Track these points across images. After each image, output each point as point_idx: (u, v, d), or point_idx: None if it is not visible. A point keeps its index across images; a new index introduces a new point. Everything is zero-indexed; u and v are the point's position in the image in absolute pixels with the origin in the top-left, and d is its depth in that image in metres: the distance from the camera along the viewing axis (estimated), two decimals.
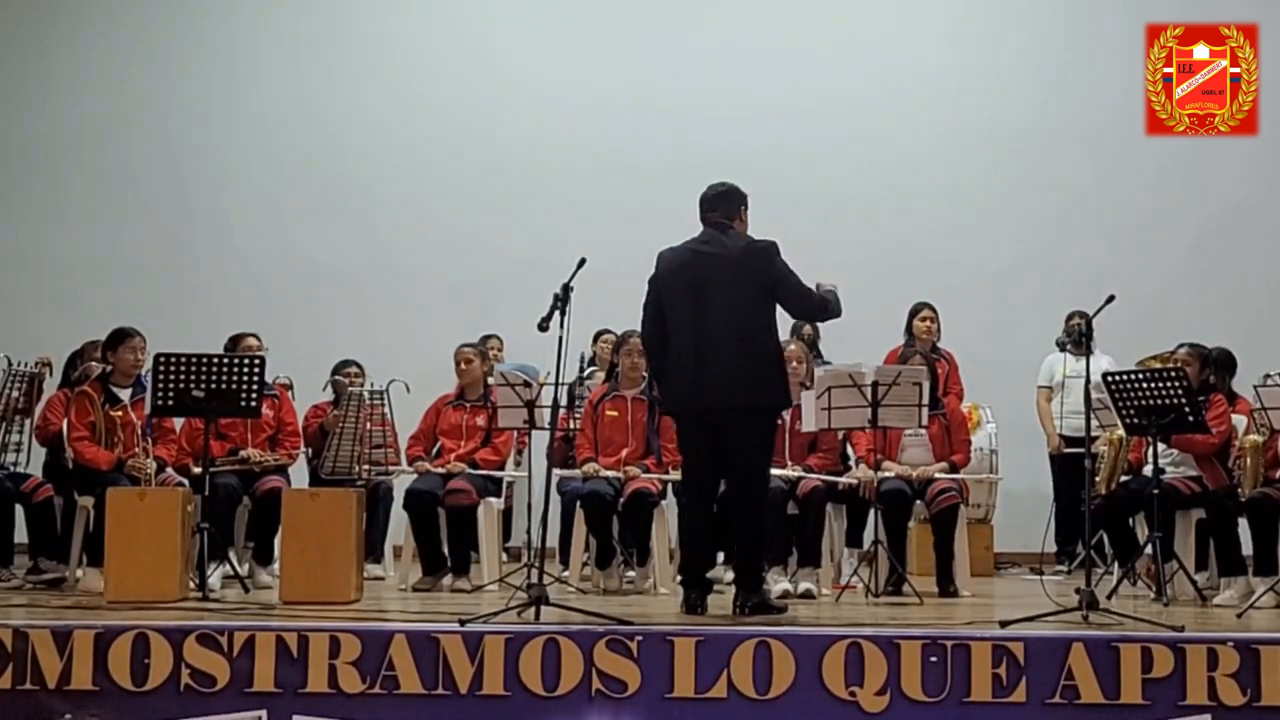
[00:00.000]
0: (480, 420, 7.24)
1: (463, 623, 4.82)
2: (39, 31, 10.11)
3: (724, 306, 5.58)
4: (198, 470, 6.63)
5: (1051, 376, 8.59)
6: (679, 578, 6.01)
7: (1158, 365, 6.80)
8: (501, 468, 7.24)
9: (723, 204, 5.79)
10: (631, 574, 7.01)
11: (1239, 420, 6.80)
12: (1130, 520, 6.85)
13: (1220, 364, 6.93)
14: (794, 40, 9.95)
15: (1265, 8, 9.86)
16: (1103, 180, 9.82)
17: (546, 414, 6.03)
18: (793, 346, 7.03)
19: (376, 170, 10.00)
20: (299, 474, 7.44)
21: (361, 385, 7.31)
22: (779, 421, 6.23)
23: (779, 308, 5.77)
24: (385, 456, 7.13)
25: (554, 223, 9.60)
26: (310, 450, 7.62)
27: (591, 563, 6.93)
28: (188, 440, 7.00)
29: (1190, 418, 6.34)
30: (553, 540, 6.97)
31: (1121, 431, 6.72)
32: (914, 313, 8.25)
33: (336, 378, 7.80)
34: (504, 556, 7.81)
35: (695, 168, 9.19)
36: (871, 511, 6.69)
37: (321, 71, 10.10)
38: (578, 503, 6.87)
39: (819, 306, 5.80)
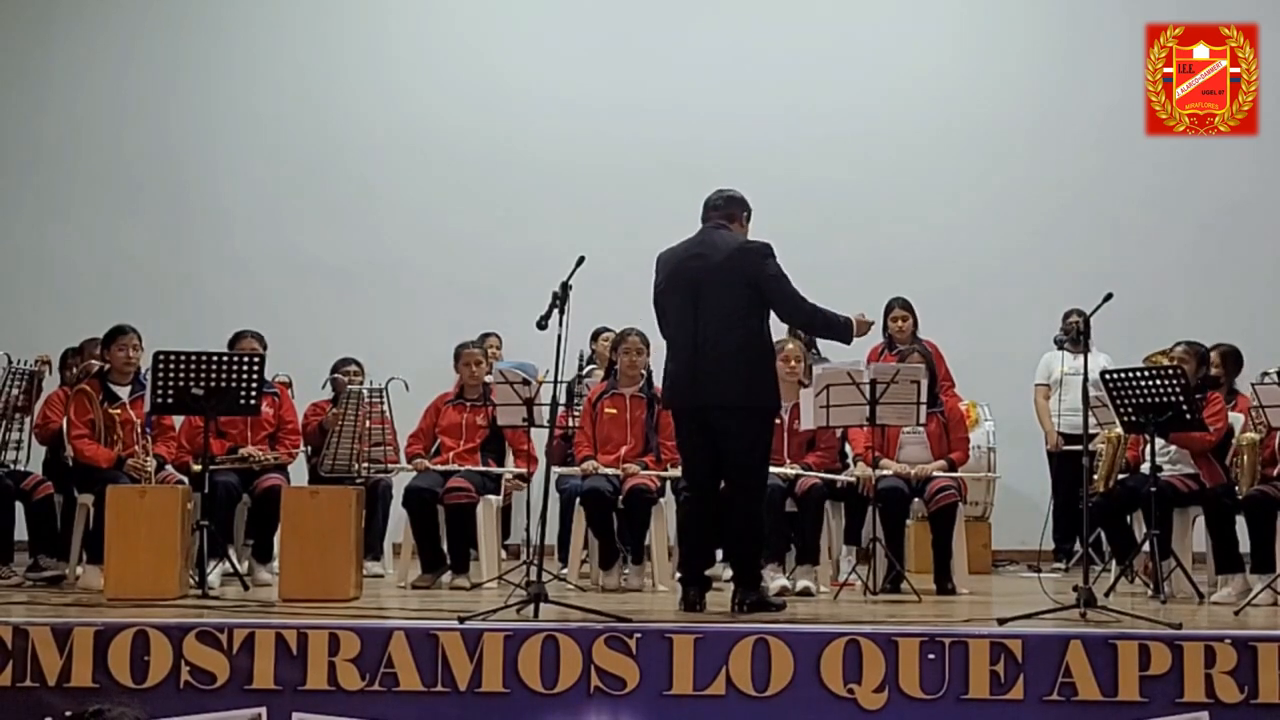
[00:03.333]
0: (480, 419, 7.25)
1: (462, 620, 4.82)
2: (38, 31, 10.11)
3: (716, 305, 5.62)
4: (197, 468, 6.63)
5: (1049, 374, 8.61)
6: (677, 575, 6.02)
7: (1165, 361, 6.81)
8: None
9: (726, 207, 5.84)
10: (627, 571, 6.96)
11: (1236, 418, 6.81)
12: (1128, 518, 6.86)
13: (1226, 361, 6.93)
14: (793, 39, 9.95)
15: (1265, 8, 9.86)
16: (1102, 179, 9.82)
17: (545, 412, 6.04)
18: (790, 345, 7.03)
19: (376, 169, 10.01)
20: (298, 472, 7.45)
21: (361, 383, 7.33)
22: (778, 420, 6.24)
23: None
24: (384, 454, 7.15)
25: (553, 221, 9.61)
26: (310, 448, 7.63)
27: (593, 563, 6.92)
28: (187, 438, 7.01)
29: (1188, 415, 6.36)
30: (551, 538, 6.97)
31: (1119, 429, 6.73)
32: (886, 311, 8.21)
33: (336, 376, 7.82)
34: (503, 554, 7.82)
35: (694, 167, 9.29)
36: (870, 509, 6.70)
37: (321, 70, 10.10)
38: (577, 500, 6.87)
39: (808, 314, 5.76)
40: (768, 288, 5.64)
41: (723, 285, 5.62)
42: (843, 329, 5.81)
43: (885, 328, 8.26)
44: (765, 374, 5.70)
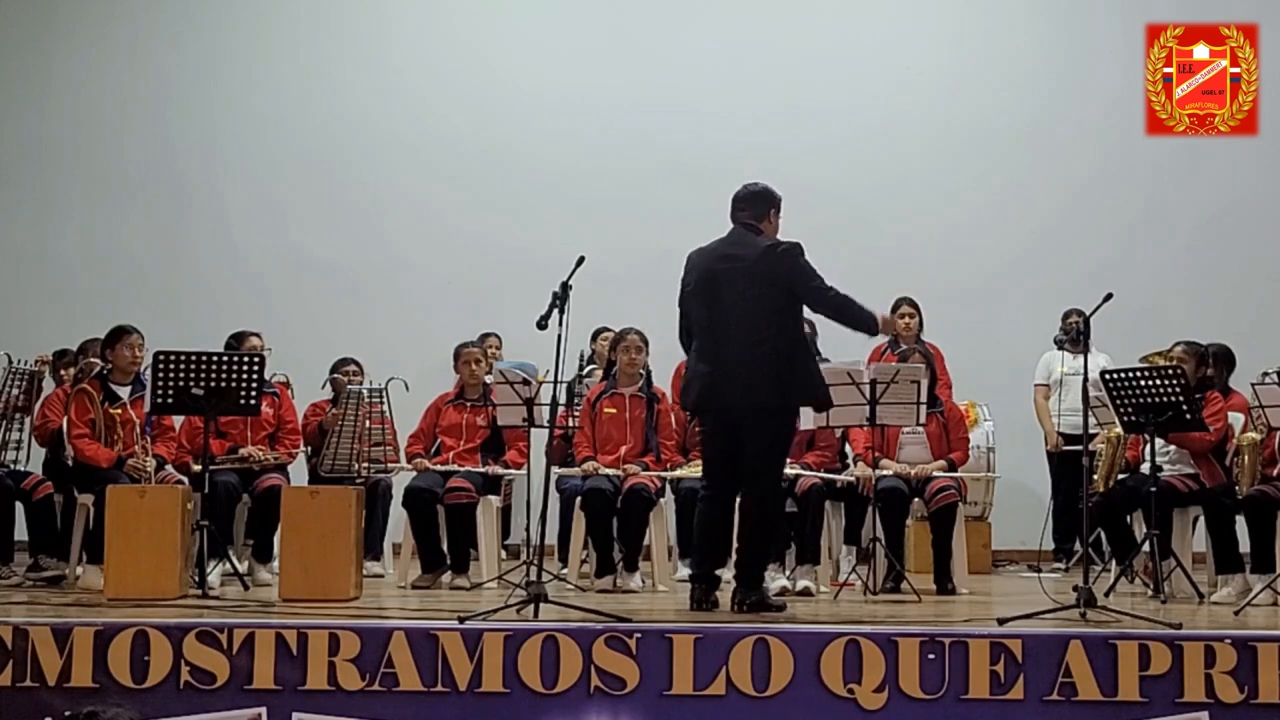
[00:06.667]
0: (480, 420, 7.25)
1: (462, 620, 4.83)
2: (38, 30, 10.11)
3: (742, 306, 5.61)
4: (197, 468, 6.64)
5: (1049, 374, 8.61)
6: (688, 573, 6.01)
7: (1163, 362, 6.81)
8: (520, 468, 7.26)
9: (753, 205, 5.83)
10: (620, 581, 6.77)
11: (1236, 418, 6.81)
12: (1128, 518, 6.86)
13: (1219, 360, 6.94)
14: (794, 39, 9.96)
15: (1265, 8, 9.87)
16: (1102, 179, 9.82)
17: (545, 412, 6.04)
18: None
19: (376, 168, 10.01)
20: (298, 472, 7.45)
21: (360, 383, 7.33)
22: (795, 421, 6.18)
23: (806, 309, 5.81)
24: (384, 454, 7.15)
25: (553, 221, 9.61)
26: (310, 448, 7.63)
27: (593, 565, 6.90)
28: (187, 438, 7.02)
29: (1187, 415, 6.36)
30: (551, 538, 6.96)
31: (1119, 429, 6.73)
32: (893, 309, 8.23)
33: (335, 376, 7.82)
34: (503, 554, 7.83)
35: (694, 166, 9.31)
36: (870, 509, 6.70)
37: (321, 70, 10.10)
38: (577, 501, 6.87)
39: (835, 304, 5.74)
40: (799, 286, 5.65)
41: (751, 285, 5.61)
42: (869, 322, 5.81)
43: None
44: (790, 373, 5.63)
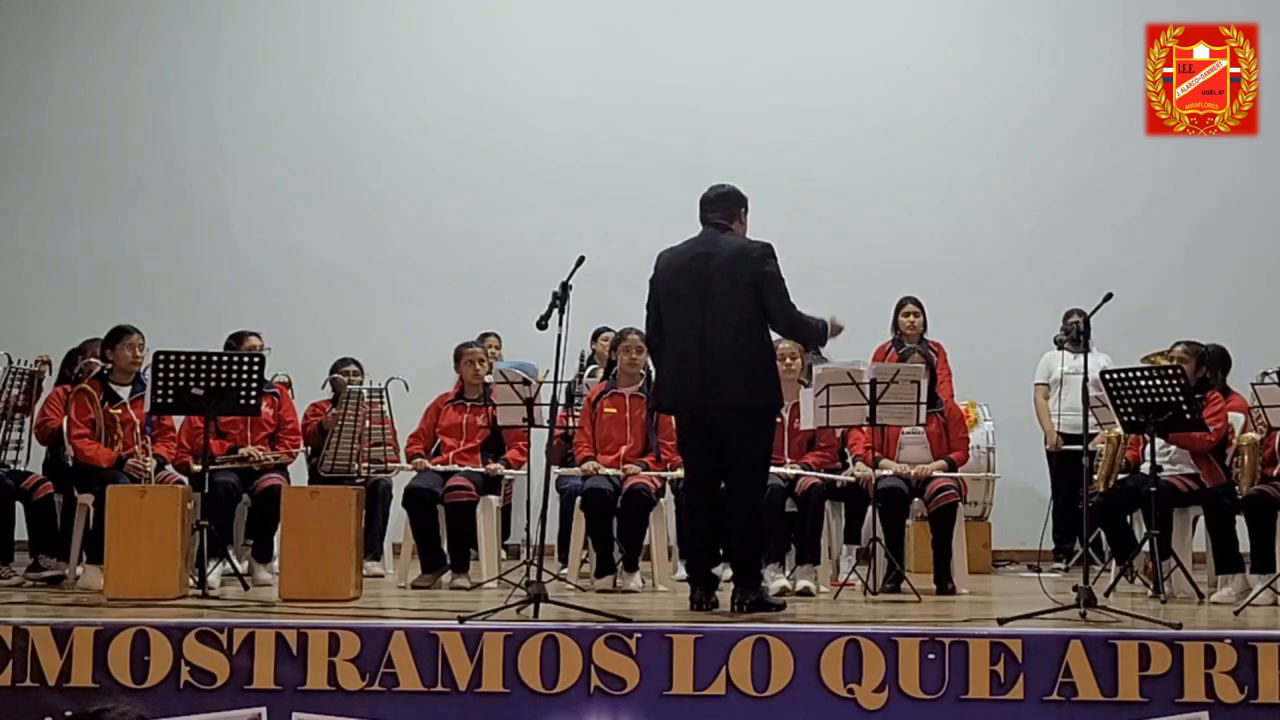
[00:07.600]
0: (480, 420, 7.25)
1: (462, 620, 4.83)
2: (39, 30, 10.11)
3: (722, 306, 5.61)
4: (197, 468, 6.64)
5: (1049, 374, 8.61)
6: (685, 575, 6.01)
7: (1164, 362, 6.81)
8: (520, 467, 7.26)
9: (722, 205, 5.82)
10: (620, 580, 6.78)
11: (1236, 418, 6.81)
12: (1128, 518, 6.86)
13: (1215, 360, 6.94)
14: (793, 38, 9.95)
15: (1265, 8, 9.87)
16: (1102, 179, 9.82)
17: (545, 412, 6.04)
18: (785, 344, 6.98)
19: (376, 168, 10.01)
20: (298, 472, 7.45)
21: (360, 383, 7.33)
22: (778, 420, 6.24)
23: None
24: (384, 454, 7.15)
25: (553, 221, 9.61)
26: (309, 448, 7.63)
27: (591, 570, 6.89)
28: (187, 438, 7.02)
29: (1188, 415, 6.36)
30: (551, 538, 6.96)
31: (1119, 429, 6.73)
32: (898, 308, 8.32)
33: (335, 376, 7.82)
34: (503, 554, 7.83)
35: (695, 166, 9.27)
36: (870, 509, 6.70)
37: (321, 70, 10.10)
38: (577, 501, 6.87)
39: (798, 321, 5.78)
40: (765, 287, 5.64)
41: (729, 286, 5.62)
42: (819, 332, 5.89)
43: (896, 324, 8.31)
44: (770, 374, 5.72)
